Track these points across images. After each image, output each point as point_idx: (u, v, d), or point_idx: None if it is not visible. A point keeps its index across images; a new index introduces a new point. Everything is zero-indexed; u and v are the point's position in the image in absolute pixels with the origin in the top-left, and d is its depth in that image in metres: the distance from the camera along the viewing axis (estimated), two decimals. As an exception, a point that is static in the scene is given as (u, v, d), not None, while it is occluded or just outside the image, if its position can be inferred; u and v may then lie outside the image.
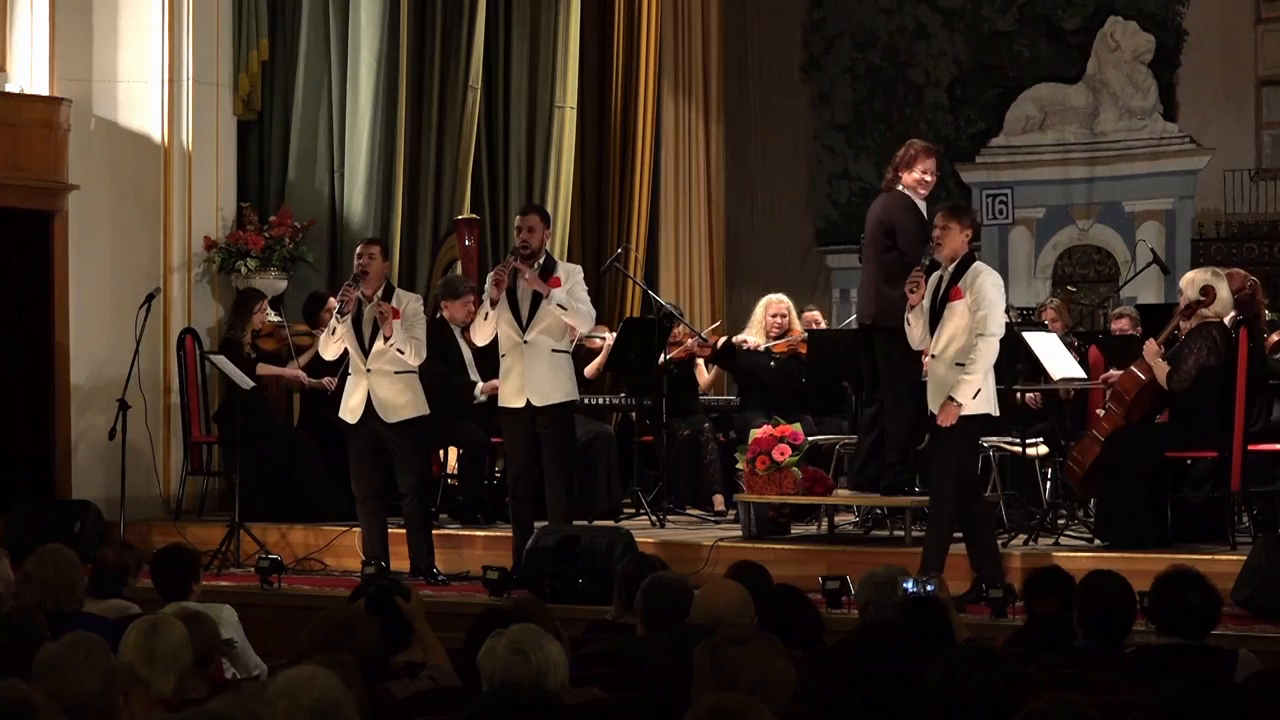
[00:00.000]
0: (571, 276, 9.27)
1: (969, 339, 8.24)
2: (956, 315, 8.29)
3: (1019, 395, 9.87)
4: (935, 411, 8.30)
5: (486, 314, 9.22)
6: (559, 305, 9.09)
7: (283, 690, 3.89)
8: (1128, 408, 9.10)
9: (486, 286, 9.30)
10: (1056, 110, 15.28)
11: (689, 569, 8.63)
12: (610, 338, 11.22)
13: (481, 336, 9.40)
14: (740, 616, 5.33)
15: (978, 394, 8.23)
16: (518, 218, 9.49)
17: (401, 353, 9.29)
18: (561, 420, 9.31)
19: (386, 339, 9.24)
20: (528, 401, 9.17)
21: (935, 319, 8.34)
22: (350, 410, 9.43)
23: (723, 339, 11.53)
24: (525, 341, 9.14)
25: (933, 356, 8.38)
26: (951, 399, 8.17)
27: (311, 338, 10.98)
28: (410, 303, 9.53)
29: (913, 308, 8.40)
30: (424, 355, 9.46)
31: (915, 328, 8.45)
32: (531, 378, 9.15)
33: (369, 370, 9.36)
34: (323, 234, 12.12)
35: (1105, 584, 5.61)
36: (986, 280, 8.29)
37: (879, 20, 15.73)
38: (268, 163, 12.29)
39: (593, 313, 9.60)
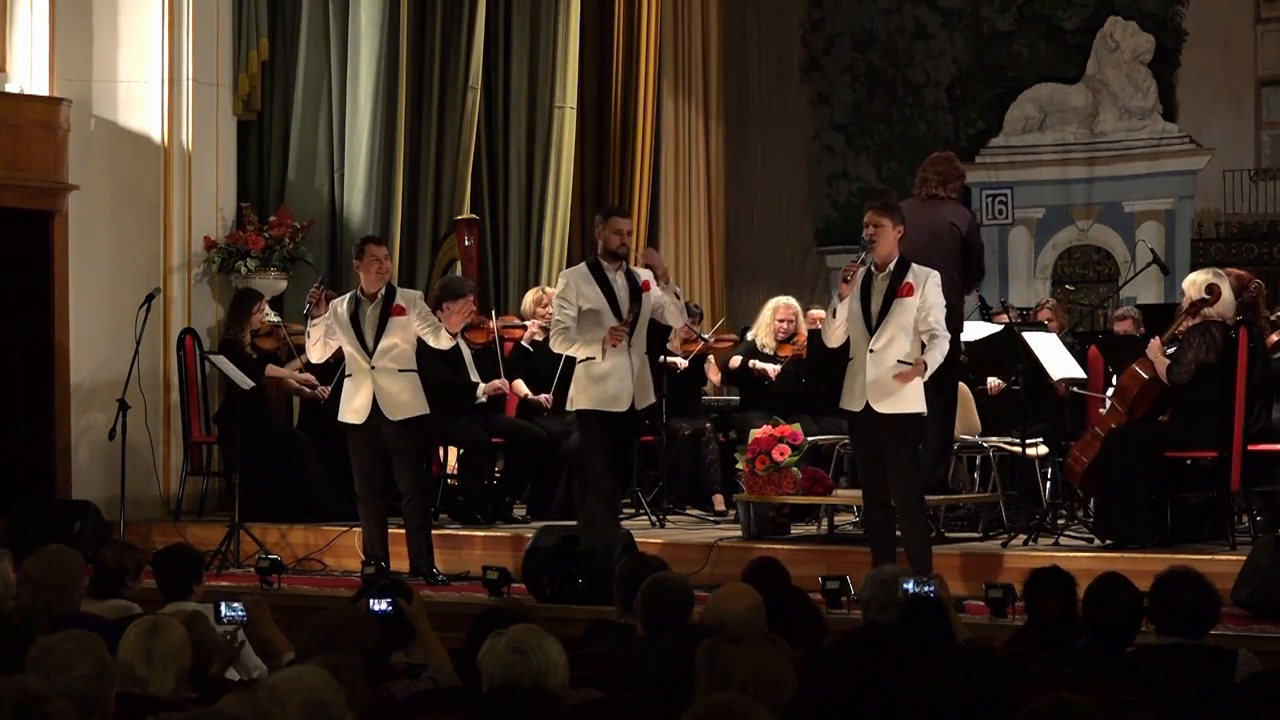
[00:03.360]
0: (652, 279, 9.21)
1: (911, 337, 8.31)
2: (904, 312, 8.32)
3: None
4: (881, 410, 8.30)
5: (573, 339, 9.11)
6: (675, 293, 9.14)
7: (272, 690, 3.88)
8: (1129, 405, 9.11)
9: (605, 338, 8.99)
10: (1056, 110, 15.29)
11: (689, 569, 8.64)
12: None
13: (562, 349, 9.33)
14: (750, 624, 5.32)
15: (921, 393, 8.37)
16: (615, 219, 9.23)
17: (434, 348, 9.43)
18: (650, 419, 9.54)
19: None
20: (632, 405, 9.03)
21: (868, 317, 8.36)
22: (354, 411, 9.35)
23: (736, 359, 11.46)
24: (630, 345, 9.00)
25: (871, 351, 8.37)
26: (923, 362, 8.21)
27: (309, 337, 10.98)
28: (417, 299, 9.54)
29: (842, 298, 8.40)
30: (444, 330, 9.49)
31: (838, 322, 8.44)
32: (641, 380, 9.04)
33: (374, 368, 9.32)
34: (323, 234, 12.12)
35: (1114, 594, 5.59)
36: (934, 282, 8.39)
37: (879, 20, 15.74)
38: (268, 163, 12.29)
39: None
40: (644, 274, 9.16)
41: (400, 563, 9.53)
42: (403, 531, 9.52)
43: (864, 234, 8.45)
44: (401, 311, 9.34)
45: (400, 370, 9.34)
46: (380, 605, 5.39)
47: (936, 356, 8.30)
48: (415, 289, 10.53)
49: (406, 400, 9.35)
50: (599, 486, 9.12)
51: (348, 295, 9.52)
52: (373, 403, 9.30)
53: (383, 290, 9.38)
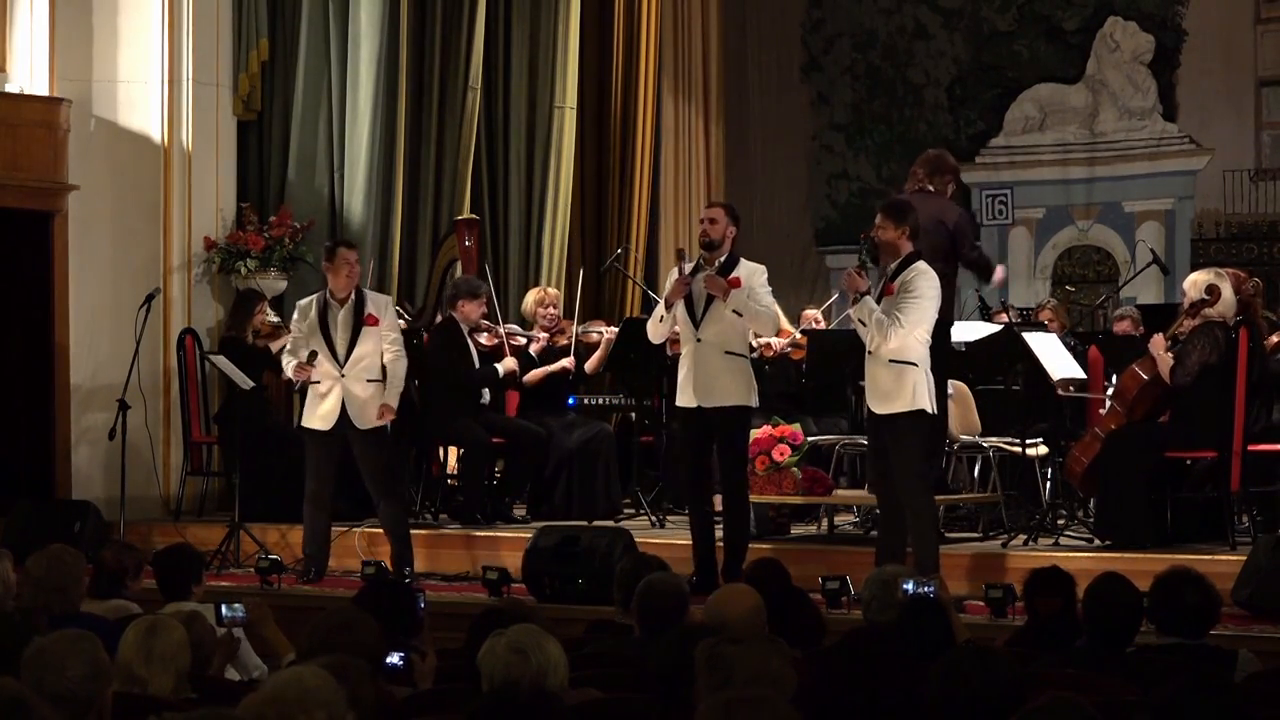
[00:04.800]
0: (754, 277, 8.79)
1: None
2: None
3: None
4: (876, 411, 8.33)
5: (661, 316, 8.91)
6: (734, 311, 8.68)
7: (273, 690, 3.87)
8: (1129, 406, 9.11)
9: (668, 290, 8.93)
10: (1056, 110, 15.29)
11: (689, 569, 8.64)
12: (609, 332, 11.22)
13: (655, 335, 9.10)
14: (751, 624, 5.31)
15: (918, 391, 8.25)
16: (703, 209, 9.22)
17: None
18: (733, 425, 8.81)
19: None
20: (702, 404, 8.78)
21: None
22: (321, 417, 9.42)
23: None
24: (699, 340, 8.77)
25: (869, 354, 8.37)
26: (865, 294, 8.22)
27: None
28: (388, 307, 9.60)
29: (855, 302, 8.40)
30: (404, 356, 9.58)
31: (856, 324, 8.47)
32: (702, 379, 8.75)
33: (343, 376, 9.39)
34: (323, 234, 12.08)
35: (1114, 594, 5.59)
36: (919, 277, 8.30)
37: (879, 20, 15.75)
38: (268, 163, 12.29)
39: (775, 315, 9.24)
40: (743, 271, 8.79)
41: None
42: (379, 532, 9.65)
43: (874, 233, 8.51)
44: (374, 321, 9.44)
45: (369, 380, 9.42)
46: (394, 660, 5.33)
47: (874, 320, 8.20)
48: (416, 293, 10.58)
49: (375, 409, 9.44)
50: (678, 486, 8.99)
51: (313, 299, 9.59)
52: (341, 410, 9.36)
53: (352, 295, 9.43)
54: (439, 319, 11.15)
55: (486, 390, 10.88)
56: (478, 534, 10.25)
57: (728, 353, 8.73)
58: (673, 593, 5.80)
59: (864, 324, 8.30)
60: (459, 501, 10.86)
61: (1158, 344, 8.98)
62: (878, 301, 8.34)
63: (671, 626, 5.53)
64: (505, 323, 11.19)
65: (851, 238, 12.47)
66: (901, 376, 8.30)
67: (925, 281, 8.31)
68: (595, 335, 11.28)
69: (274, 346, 11.01)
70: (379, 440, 9.49)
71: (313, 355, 9.32)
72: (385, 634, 5.13)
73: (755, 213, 15.78)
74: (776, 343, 11.07)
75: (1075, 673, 5.19)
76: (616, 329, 11.24)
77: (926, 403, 8.30)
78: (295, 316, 9.60)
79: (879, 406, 8.35)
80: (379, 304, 9.56)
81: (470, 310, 10.72)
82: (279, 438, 11.01)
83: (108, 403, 10.76)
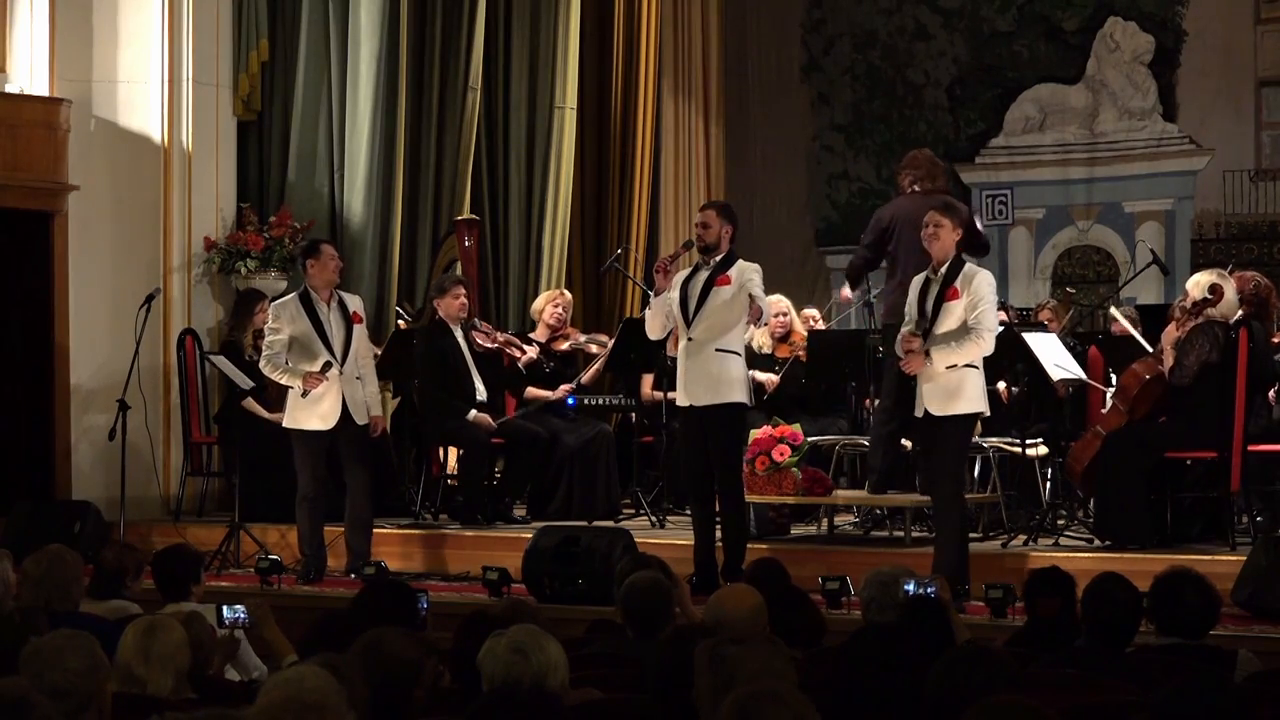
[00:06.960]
0: (745, 274, 8.73)
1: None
2: (953, 316, 8.28)
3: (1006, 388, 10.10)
4: (933, 412, 8.32)
5: (650, 300, 8.92)
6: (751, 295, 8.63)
7: (273, 690, 3.87)
8: (1130, 405, 9.12)
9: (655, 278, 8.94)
10: (1056, 111, 15.29)
11: (689, 570, 8.64)
12: (608, 344, 11.22)
13: (651, 330, 9.03)
14: (752, 624, 5.31)
15: (976, 393, 8.28)
16: (698, 212, 9.21)
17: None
18: (725, 423, 8.74)
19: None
20: (698, 402, 8.75)
21: (923, 320, 8.32)
22: (320, 417, 9.44)
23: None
24: (690, 339, 8.75)
25: (927, 354, 8.35)
26: (928, 355, 8.20)
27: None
28: (362, 304, 9.71)
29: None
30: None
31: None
32: (693, 377, 8.73)
33: (342, 374, 9.42)
34: (322, 234, 12.08)
35: (1114, 594, 5.60)
36: (983, 280, 8.34)
37: (878, 21, 15.75)
38: (268, 163, 12.29)
39: (769, 308, 9.22)
40: (734, 271, 8.75)
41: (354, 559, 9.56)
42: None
43: (924, 233, 8.45)
44: (360, 319, 9.56)
45: (357, 377, 9.51)
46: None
47: (956, 352, 8.22)
48: (416, 294, 10.54)
49: (367, 404, 9.57)
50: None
51: (291, 299, 9.62)
52: (343, 408, 9.40)
53: (333, 296, 9.51)
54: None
55: (483, 388, 10.87)
56: (478, 534, 10.26)
57: (718, 350, 8.69)
58: (652, 591, 5.77)
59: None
60: (459, 501, 10.86)
61: (1169, 335, 8.99)
62: (937, 307, 8.30)
63: (659, 624, 5.54)
64: (503, 328, 11.21)
65: (852, 238, 12.45)
66: (964, 379, 8.29)
67: (987, 282, 8.35)
68: (595, 347, 11.32)
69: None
70: (367, 434, 9.58)
71: (327, 365, 9.34)
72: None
73: (755, 213, 15.78)
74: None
75: (1075, 673, 5.19)
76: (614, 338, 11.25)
77: (983, 404, 8.38)
78: (275, 317, 9.57)
79: (939, 407, 8.30)
80: (355, 302, 9.67)
81: (448, 306, 10.72)
82: (279, 438, 10.99)
83: (108, 403, 10.76)
